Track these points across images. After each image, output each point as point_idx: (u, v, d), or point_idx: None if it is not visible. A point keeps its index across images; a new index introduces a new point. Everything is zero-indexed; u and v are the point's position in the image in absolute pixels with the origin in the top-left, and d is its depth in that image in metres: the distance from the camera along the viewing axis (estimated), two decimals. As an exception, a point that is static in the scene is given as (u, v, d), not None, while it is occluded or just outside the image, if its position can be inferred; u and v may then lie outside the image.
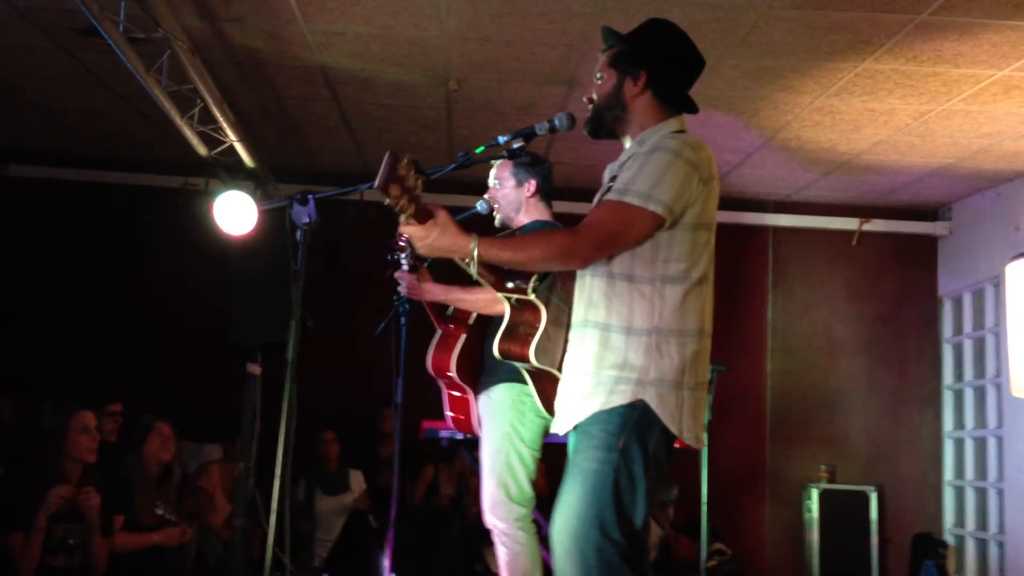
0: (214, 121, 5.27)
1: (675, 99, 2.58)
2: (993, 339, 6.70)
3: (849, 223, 7.27)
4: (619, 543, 2.28)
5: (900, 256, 7.33)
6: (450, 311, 3.75)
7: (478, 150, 2.70)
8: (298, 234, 2.77)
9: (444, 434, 4.73)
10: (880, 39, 4.44)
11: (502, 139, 2.70)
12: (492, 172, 3.75)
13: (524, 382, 3.48)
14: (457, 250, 2.34)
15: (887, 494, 6.99)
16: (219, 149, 5.60)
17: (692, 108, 2.62)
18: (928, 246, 7.35)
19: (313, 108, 5.84)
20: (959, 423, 7.12)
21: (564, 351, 2.58)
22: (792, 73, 4.90)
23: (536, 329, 2.87)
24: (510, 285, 2.76)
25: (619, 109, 2.54)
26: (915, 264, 7.33)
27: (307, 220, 2.75)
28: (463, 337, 3.65)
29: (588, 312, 2.45)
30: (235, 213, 5.27)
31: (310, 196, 2.75)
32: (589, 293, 2.46)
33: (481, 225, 3.83)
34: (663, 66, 2.55)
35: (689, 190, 2.38)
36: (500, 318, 3.51)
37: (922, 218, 7.29)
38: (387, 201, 2.21)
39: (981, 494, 6.83)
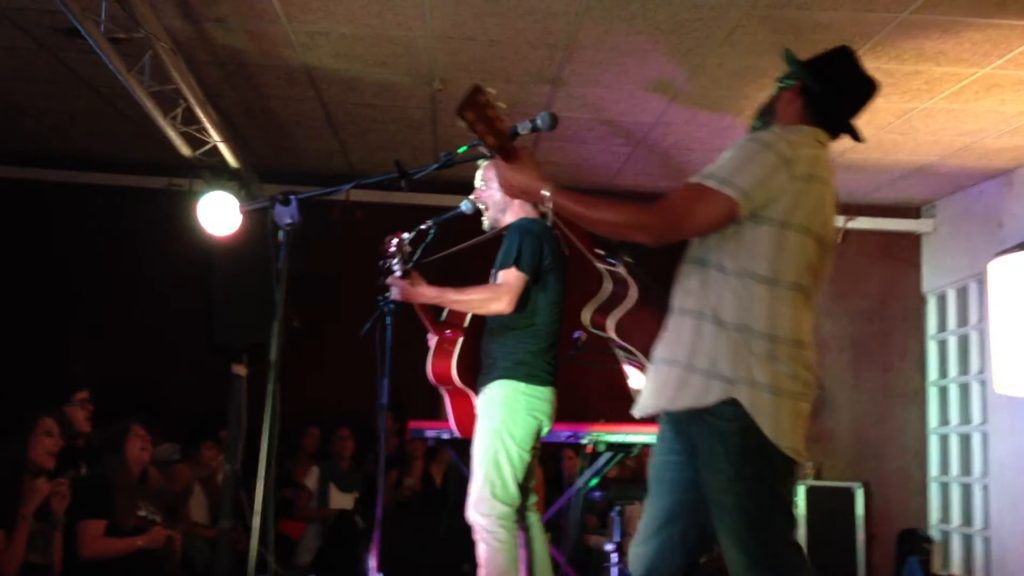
0: (197, 121, 5.24)
1: (829, 118, 2.61)
2: (977, 336, 6.73)
3: (834, 221, 7.29)
4: (796, 554, 2.32)
5: (884, 253, 7.36)
6: (444, 315, 3.74)
7: (460, 150, 2.70)
8: (280, 235, 2.75)
9: (430, 433, 4.72)
10: (862, 38, 4.45)
11: (484, 139, 2.69)
12: (478, 173, 3.73)
13: (519, 379, 3.47)
14: (532, 191, 2.39)
15: (873, 490, 7.01)
16: (203, 150, 5.57)
17: (851, 132, 2.64)
18: (912, 243, 7.38)
19: (297, 108, 5.82)
20: (944, 419, 7.16)
21: (648, 333, 2.54)
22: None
23: (623, 303, 2.80)
24: (610, 260, 2.76)
25: (768, 115, 2.65)
26: (899, 261, 7.36)
27: (289, 221, 2.73)
28: (460, 341, 3.64)
29: (684, 299, 2.40)
30: (219, 214, 5.26)
31: (292, 197, 2.73)
32: (685, 280, 2.42)
33: (466, 224, 3.85)
34: (822, 83, 2.64)
35: (774, 181, 2.30)
36: (499, 317, 3.50)
37: (906, 215, 7.32)
38: (465, 125, 2.24)
39: (966, 490, 6.86)
